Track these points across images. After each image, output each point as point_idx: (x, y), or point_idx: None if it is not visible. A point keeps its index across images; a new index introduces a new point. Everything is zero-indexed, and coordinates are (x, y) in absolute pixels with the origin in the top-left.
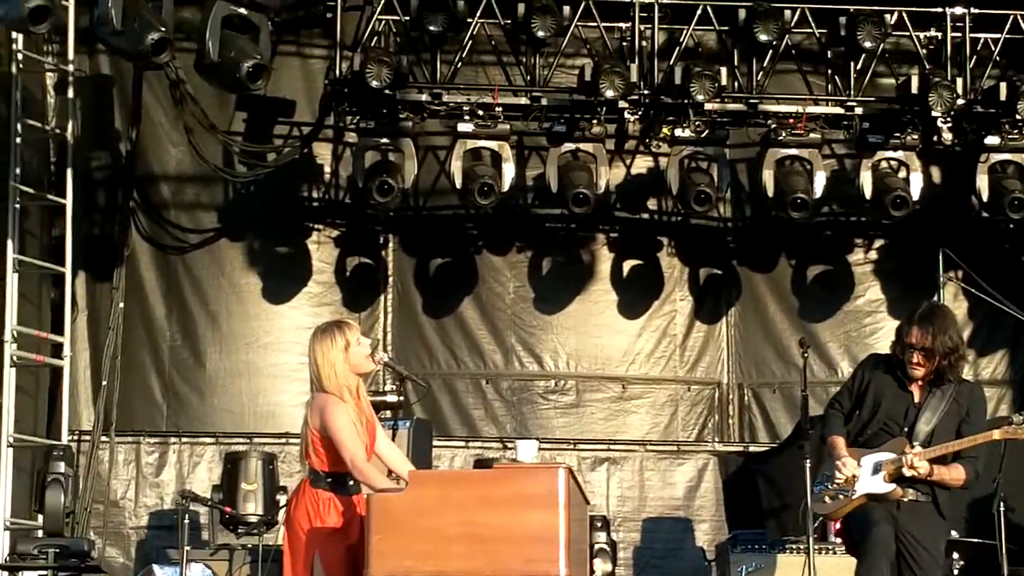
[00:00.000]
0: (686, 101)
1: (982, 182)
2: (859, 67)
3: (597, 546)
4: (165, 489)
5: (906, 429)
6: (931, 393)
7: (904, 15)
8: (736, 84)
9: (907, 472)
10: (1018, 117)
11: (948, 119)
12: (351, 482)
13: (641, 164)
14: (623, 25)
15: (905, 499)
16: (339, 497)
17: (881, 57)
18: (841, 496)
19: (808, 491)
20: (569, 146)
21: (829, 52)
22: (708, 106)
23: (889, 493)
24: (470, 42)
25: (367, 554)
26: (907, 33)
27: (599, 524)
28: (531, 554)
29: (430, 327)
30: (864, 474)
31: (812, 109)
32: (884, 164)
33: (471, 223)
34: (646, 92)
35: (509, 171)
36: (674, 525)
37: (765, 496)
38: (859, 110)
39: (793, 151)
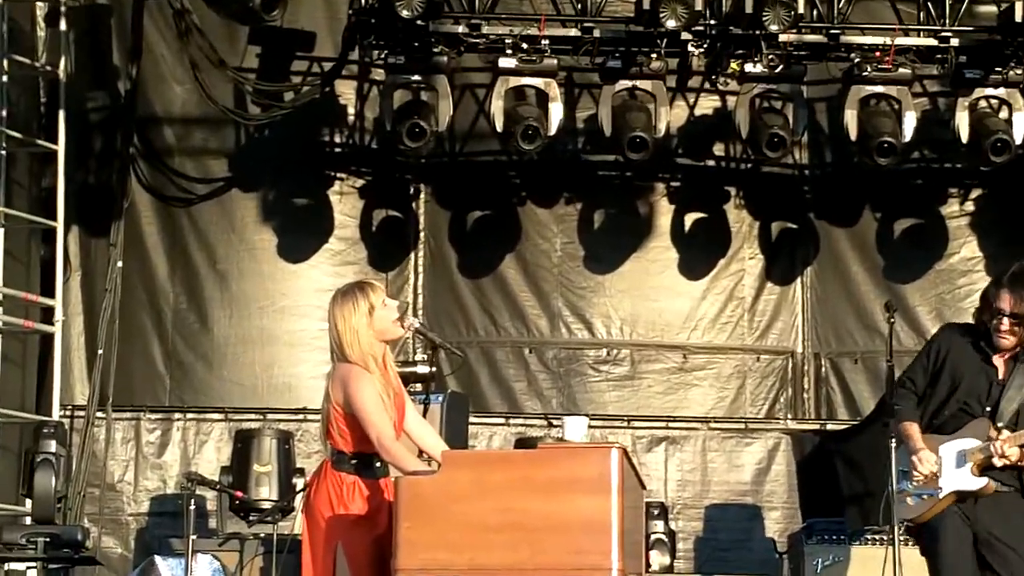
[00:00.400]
0: (758, 32)
1: None
2: None
3: (654, 536)
4: (168, 471)
5: (988, 409)
6: (1017, 368)
7: None
8: (815, 13)
9: (998, 462)
10: None
11: None
12: (378, 464)
13: (706, 104)
14: None
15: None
16: (365, 481)
17: None
18: (925, 496)
19: (892, 476)
20: (624, 84)
21: None
22: (783, 38)
23: (982, 489)
24: None
25: (395, 544)
26: None
27: (656, 512)
28: (580, 545)
29: (466, 289)
30: (947, 467)
31: (901, 41)
32: (983, 103)
33: (514, 171)
34: (712, 22)
35: (557, 112)
36: (741, 513)
37: (844, 480)
38: (955, 42)
39: (879, 89)
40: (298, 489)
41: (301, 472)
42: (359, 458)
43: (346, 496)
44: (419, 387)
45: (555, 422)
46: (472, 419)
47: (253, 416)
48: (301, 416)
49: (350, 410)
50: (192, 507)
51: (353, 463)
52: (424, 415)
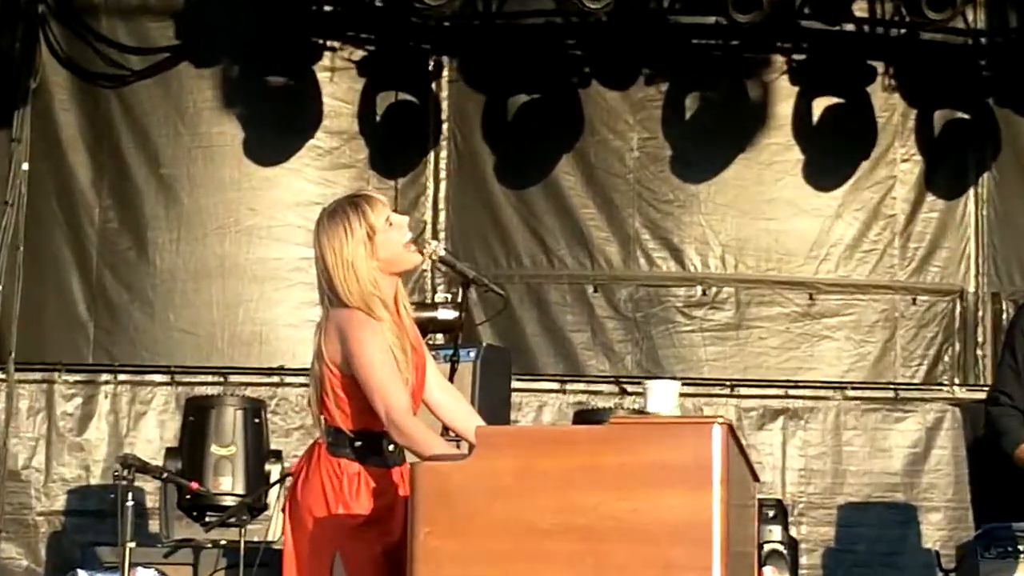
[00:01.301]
0: None
1: None
2: None
3: (768, 547)
4: (92, 454)
5: None
6: None
7: None
8: None
9: None
10: None
11: None
12: (390, 446)
13: None
14: None
15: None
16: (372, 470)
17: None
18: None
19: None
20: None
21: None
22: None
23: None
24: None
25: (411, 556)
26: None
27: (772, 513)
28: (668, 557)
29: (507, 203)
30: None
31: None
32: None
33: (573, 38)
34: None
35: None
36: (889, 515)
37: None
38: None
39: None
40: (275, 480)
41: (278, 456)
42: (364, 438)
43: (347, 491)
44: (441, 339)
45: (630, 388)
46: (516, 383)
47: (210, 378)
48: (277, 378)
49: (350, 372)
50: (128, 504)
51: (357, 446)
52: (450, 378)
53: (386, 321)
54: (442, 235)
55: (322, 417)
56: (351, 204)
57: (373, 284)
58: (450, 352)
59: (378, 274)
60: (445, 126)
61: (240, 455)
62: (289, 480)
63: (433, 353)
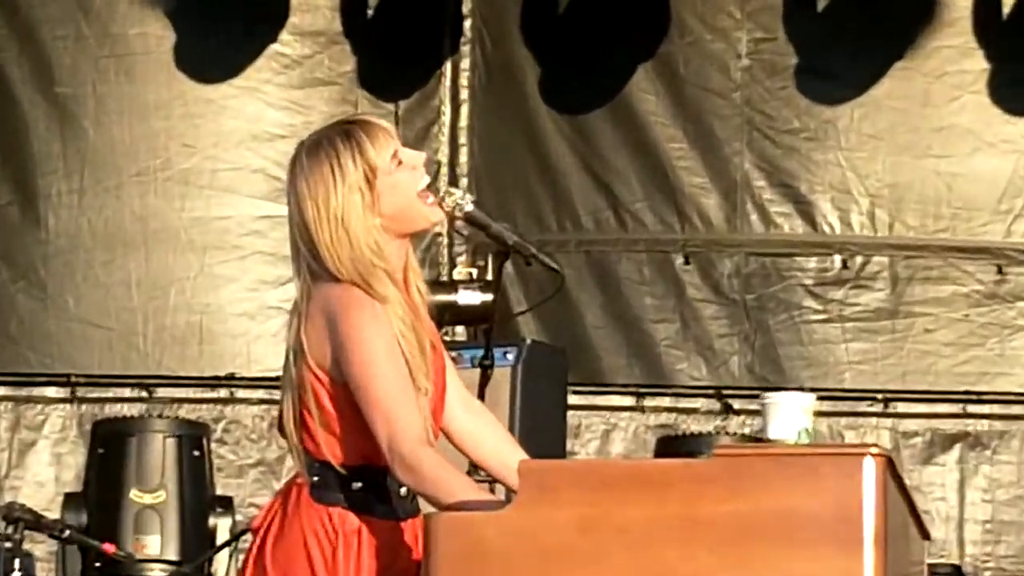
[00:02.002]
0: None
1: None
2: None
3: None
4: None
5: None
6: None
7: None
8: None
9: None
10: None
11: None
12: (402, 488)
13: None
14: None
15: None
16: (377, 523)
17: None
18: None
19: None
20: None
21: None
22: None
23: None
24: None
25: None
26: None
27: None
28: None
29: (557, 135)
30: None
31: None
32: None
33: None
34: None
35: None
36: None
37: None
38: None
39: None
40: (225, 540)
41: (227, 505)
42: (367, 478)
43: (343, 557)
44: (463, 334)
45: (738, 403)
46: (574, 398)
47: (128, 392)
48: (226, 392)
49: (342, 378)
50: (16, 572)
51: (355, 488)
52: (480, 393)
53: (394, 303)
54: (464, 182)
55: (302, 447)
56: (342, 135)
57: (374, 249)
58: (478, 354)
59: (381, 235)
60: (468, 23)
61: (173, 504)
62: (249, 539)
63: (452, 355)
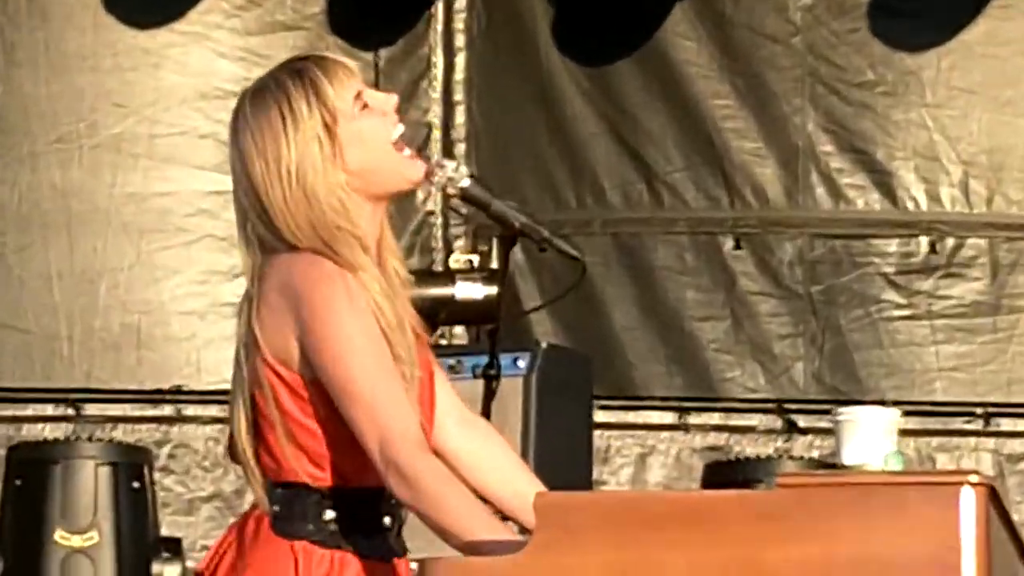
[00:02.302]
0: None
1: None
2: None
3: None
4: None
5: None
6: None
7: None
8: None
9: None
10: None
11: None
12: (387, 517)
13: None
14: None
15: None
16: (354, 561)
17: None
18: None
19: None
20: None
21: None
22: None
23: None
24: None
25: None
26: None
27: None
28: None
29: (575, 91)
30: None
31: None
32: None
33: None
34: None
35: None
36: None
37: None
38: None
39: None
40: None
41: (175, 548)
42: (343, 501)
43: None
44: (463, 336)
45: (804, 421)
46: (601, 413)
47: (50, 409)
48: (171, 409)
49: (311, 371)
50: None
51: (328, 518)
52: (484, 408)
53: (367, 270)
54: (461, 150)
55: (260, 467)
56: (292, 75)
57: (338, 209)
58: (482, 361)
59: (348, 195)
60: None
61: (108, 547)
62: None
63: (450, 362)
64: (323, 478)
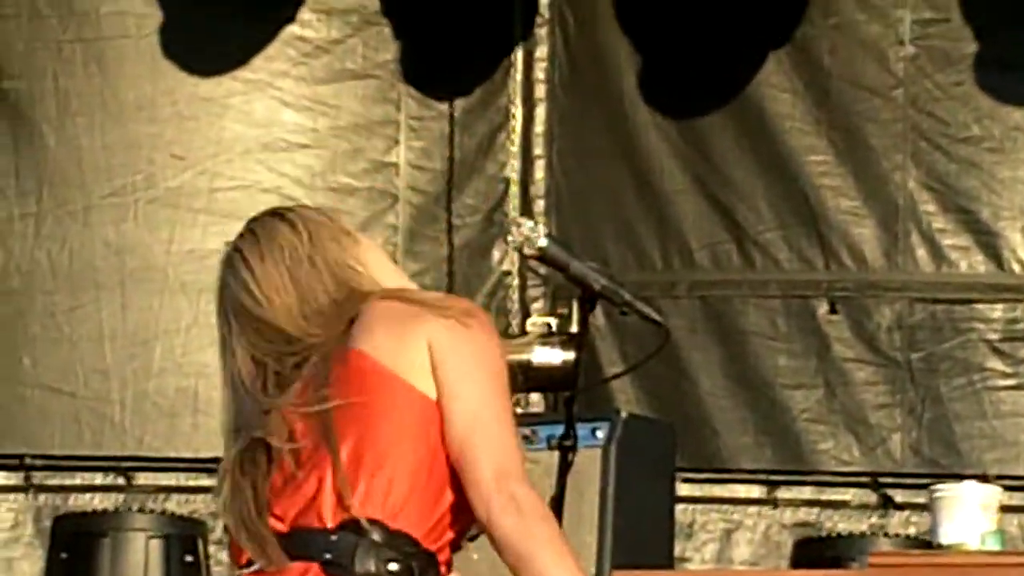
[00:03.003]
0: None
1: None
2: None
3: None
4: None
5: None
6: None
7: None
8: None
9: None
10: None
11: None
12: None
13: None
14: None
15: None
16: None
17: None
18: None
19: None
20: None
21: None
22: None
23: None
24: None
25: None
26: None
27: None
28: None
29: (662, 145)
30: None
31: None
32: None
33: None
34: None
35: None
36: None
37: None
38: None
39: None
40: None
41: None
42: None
43: None
44: (539, 403)
45: (900, 495)
46: (685, 487)
47: (99, 478)
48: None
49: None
50: None
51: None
52: (561, 480)
53: None
54: (540, 207)
55: (340, 512)
56: (285, 223)
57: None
58: (558, 430)
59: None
60: (544, 4)
61: None
62: None
63: (524, 432)
64: (444, 531)
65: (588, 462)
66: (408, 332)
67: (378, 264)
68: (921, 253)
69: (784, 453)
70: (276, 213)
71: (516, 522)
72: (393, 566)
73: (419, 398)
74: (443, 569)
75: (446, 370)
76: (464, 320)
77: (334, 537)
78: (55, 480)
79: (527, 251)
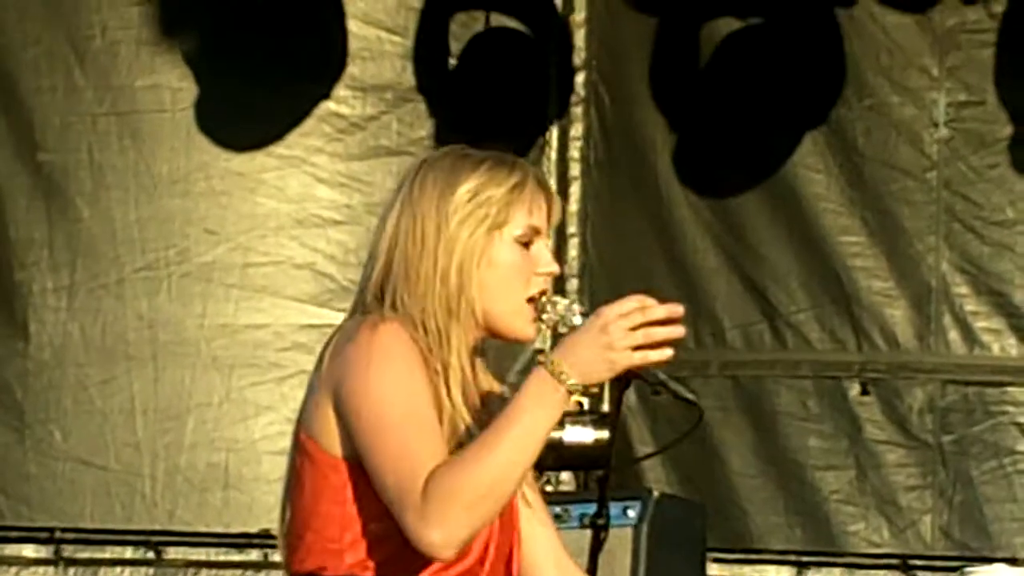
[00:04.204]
0: None
1: None
2: None
3: None
4: None
5: None
6: None
7: None
8: None
9: None
10: None
11: None
12: None
13: None
14: None
15: None
16: None
17: None
18: None
19: None
20: None
21: None
22: None
23: None
24: None
25: None
26: None
27: None
28: None
29: (695, 223)
30: None
31: None
32: None
33: None
34: None
35: None
36: None
37: None
38: None
39: None
40: None
41: None
42: None
43: None
44: (569, 482)
45: None
46: (715, 567)
47: (130, 552)
48: (258, 554)
49: (352, 451)
50: None
51: None
52: (592, 560)
53: (456, 385)
54: (574, 285)
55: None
56: (491, 164)
57: (462, 308)
58: (590, 509)
59: (477, 304)
60: (580, 78)
61: None
62: None
63: (556, 510)
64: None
65: (619, 541)
66: None
67: None
68: (953, 335)
69: (814, 534)
70: None
71: (435, 532)
72: None
73: None
74: None
75: None
76: None
77: None
78: (85, 554)
79: (562, 329)
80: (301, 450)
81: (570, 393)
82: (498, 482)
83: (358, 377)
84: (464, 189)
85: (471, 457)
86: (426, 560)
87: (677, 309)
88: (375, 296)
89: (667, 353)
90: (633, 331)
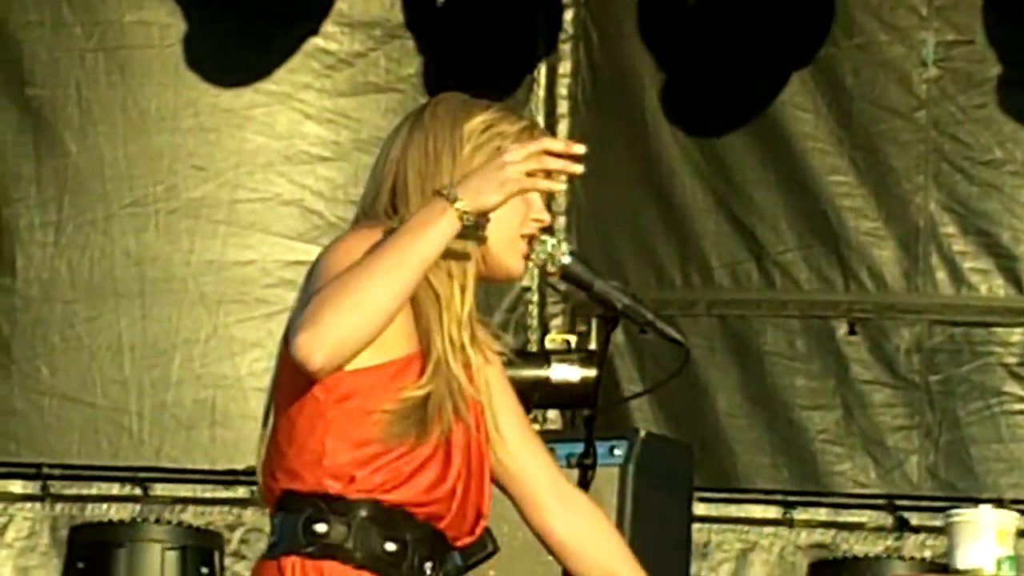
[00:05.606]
0: None
1: None
2: None
3: None
4: None
5: None
6: None
7: None
8: None
9: None
10: None
11: None
12: (389, 546)
13: None
14: None
15: None
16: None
17: None
18: None
19: None
20: None
21: None
22: None
23: None
24: None
25: None
26: None
27: None
28: None
29: (683, 162)
30: None
31: None
32: None
33: None
34: None
35: None
36: None
37: None
38: None
39: None
40: None
41: None
42: (374, 512)
43: None
44: (556, 420)
45: (916, 518)
46: (701, 506)
47: (116, 488)
48: (244, 490)
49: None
50: None
51: (320, 530)
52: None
53: (448, 345)
54: (561, 224)
55: (268, 488)
56: (501, 107)
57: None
58: (577, 449)
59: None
60: (569, 15)
61: None
62: None
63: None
64: (342, 477)
65: (605, 480)
66: None
67: None
68: (941, 276)
69: (800, 474)
70: None
71: (312, 326)
72: None
73: None
74: None
75: None
76: None
77: None
78: (72, 490)
79: (550, 268)
80: (284, 363)
81: (462, 217)
82: (372, 292)
83: (323, 257)
84: (479, 119)
85: (351, 269)
86: (406, 476)
87: (578, 148)
88: (385, 213)
89: (559, 185)
90: (528, 156)
